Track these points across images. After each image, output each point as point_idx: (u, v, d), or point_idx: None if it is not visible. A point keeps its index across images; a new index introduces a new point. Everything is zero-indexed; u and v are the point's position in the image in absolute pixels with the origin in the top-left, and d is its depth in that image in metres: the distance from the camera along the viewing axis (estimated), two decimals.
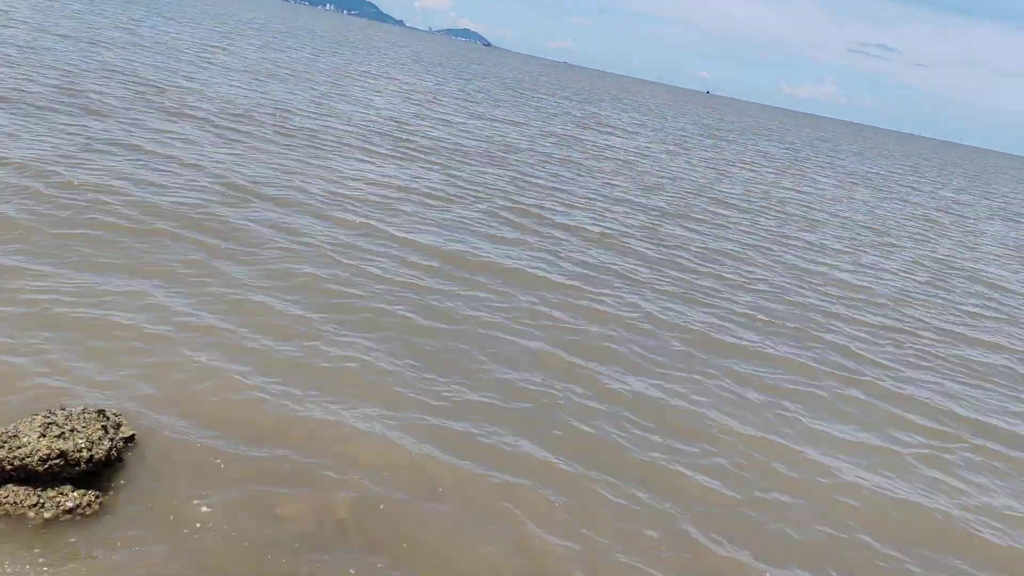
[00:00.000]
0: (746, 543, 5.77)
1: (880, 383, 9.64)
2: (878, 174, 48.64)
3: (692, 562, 5.44)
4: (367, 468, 5.65)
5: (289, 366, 6.93)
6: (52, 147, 12.29)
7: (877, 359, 10.55)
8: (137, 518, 4.66)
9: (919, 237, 23.33)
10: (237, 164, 14.11)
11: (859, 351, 10.71)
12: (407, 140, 21.12)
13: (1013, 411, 9.70)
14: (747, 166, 35.17)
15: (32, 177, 10.49)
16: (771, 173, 34.21)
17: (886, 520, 6.53)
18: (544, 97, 57.09)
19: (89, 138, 13.48)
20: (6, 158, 11.07)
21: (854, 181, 39.35)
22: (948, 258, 20.45)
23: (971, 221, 31.30)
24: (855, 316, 12.52)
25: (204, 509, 4.88)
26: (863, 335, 11.58)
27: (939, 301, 14.88)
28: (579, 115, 45.76)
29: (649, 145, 35.64)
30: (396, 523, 5.16)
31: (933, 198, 38.96)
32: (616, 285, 11.47)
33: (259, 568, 4.53)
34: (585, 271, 11.90)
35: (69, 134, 13.39)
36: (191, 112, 18.13)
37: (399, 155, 18.64)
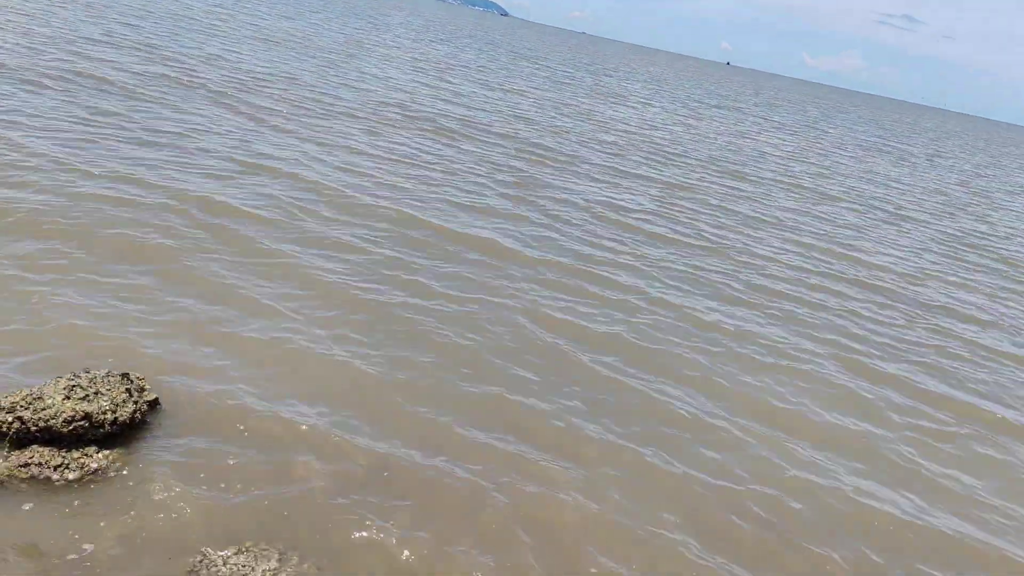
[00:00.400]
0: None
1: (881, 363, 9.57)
2: (896, 147, 48.07)
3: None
4: (385, 433, 5.71)
5: (312, 337, 6.98)
6: None
7: (880, 338, 10.42)
8: (160, 479, 4.72)
9: (937, 212, 23.10)
10: (254, 137, 14.11)
11: (860, 331, 10.59)
12: (415, 110, 20.85)
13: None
14: (761, 138, 34.81)
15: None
16: (787, 145, 33.89)
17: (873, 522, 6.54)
18: (560, 68, 56.55)
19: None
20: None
21: (871, 154, 38.92)
22: (964, 234, 20.25)
23: (993, 196, 30.95)
24: (864, 295, 12.42)
25: (226, 471, 4.95)
26: (869, 312, 11.46)
27: (954, 278, 14.72)
28: (593, 85, 45.33)
29: (662, 116, 35.32)
30: (412, 485, 5.22)
31: (953, 172, 38.52)
32: (619, 261, 11.28)
33: (279, 527, 4.60)
34: (585, 247, 11.69)
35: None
36: (202, 79, 18.10)
37: (406, 126, 18.42)
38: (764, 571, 5.19)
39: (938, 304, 12.50)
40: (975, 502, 6.68)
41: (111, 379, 4.97)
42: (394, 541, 4.69)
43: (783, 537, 5.59)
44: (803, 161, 28.88)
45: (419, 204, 11.89)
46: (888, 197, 23.81)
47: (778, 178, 22.85)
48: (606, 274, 10.40)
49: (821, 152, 34.34)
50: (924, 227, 19.74)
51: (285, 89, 19.65)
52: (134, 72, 16.95)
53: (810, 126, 51.59)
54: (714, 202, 17.09)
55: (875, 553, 5.63)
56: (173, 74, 17.92)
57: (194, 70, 19.05)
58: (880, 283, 13.08)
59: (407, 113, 20.08)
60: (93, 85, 14.82)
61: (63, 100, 13.22)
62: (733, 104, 57.60)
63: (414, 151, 15.79)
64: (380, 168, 13.70)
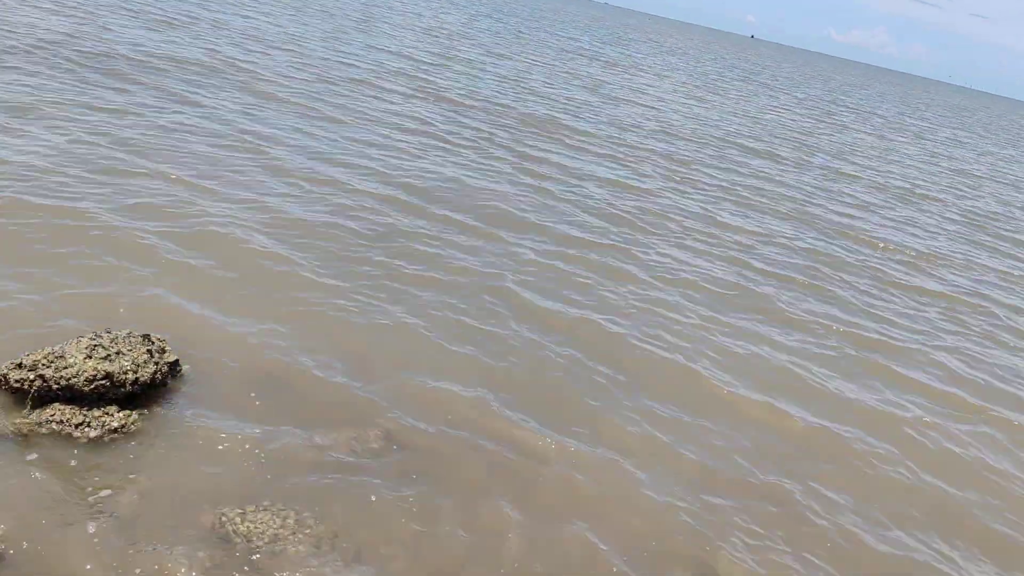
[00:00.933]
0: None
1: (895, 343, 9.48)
2: (919, 126, 47.46)
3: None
4: (404, 403, 5.76)
5: (332, 307, 7.02)
6: None
7: (894, 319, 10.32)
8: (181, 440, 4.80)
9: (955, 192, 22.84)
10: (255, 114, 14.09)
11: (875, 310, 10.55)
12: (422, 79, 20.49)
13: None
14: (782, 112, 34.43)
15: None
16: (807, 121, 33.52)
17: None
18: (577, 38, 55.97)
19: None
20: None
21: (894, 132, 38.46)
22: (982, 215, 20.05)
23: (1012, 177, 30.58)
24: (878, 275, 12.30)
25: (246, 435, 5.01)
26: (885, 294, 11.37)
27: (965, 260, 14.53)
28: (608, 56, 44.83)
29: (678, 89, 34.93)
30: (429, 455, 5.28)
31: (975, 151, 38.03)
32: (625, 235, 11.13)
33: (296, 490, 4.67)
34: (593, 221, 11.55)
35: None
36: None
37: (411, 94, 18.17)
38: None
39: (956, 281, 12.42)
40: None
41: (132, 340, 5.02)
42: (412, 507, 4.75)
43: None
44: (818, 135, 28.57)
45: (430, 172, 11.87)
46: (903, 176, 23.55)
47: (792, 154, 22.63)
48: (599, 247, 10.34)
49: (838, 128, 33.95)
50: (939, 206, 19.55)
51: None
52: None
53: (831, 101, 50.95)
54: (722, 178, 16.79)
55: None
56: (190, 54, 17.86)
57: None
58: (891, 260, 13.01)
59: (410, 82, 19.77)
60: None
61: None
62: (753, 78, 56.89)
63: (414, 118, 15.63)
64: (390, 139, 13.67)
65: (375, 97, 16.67)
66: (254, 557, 4.16)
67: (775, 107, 36.51)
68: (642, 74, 38.04)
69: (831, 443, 6.68)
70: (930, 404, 7.84)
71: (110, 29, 16.40)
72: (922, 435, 7.15)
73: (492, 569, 4.50)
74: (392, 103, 16.46)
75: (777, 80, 61.25)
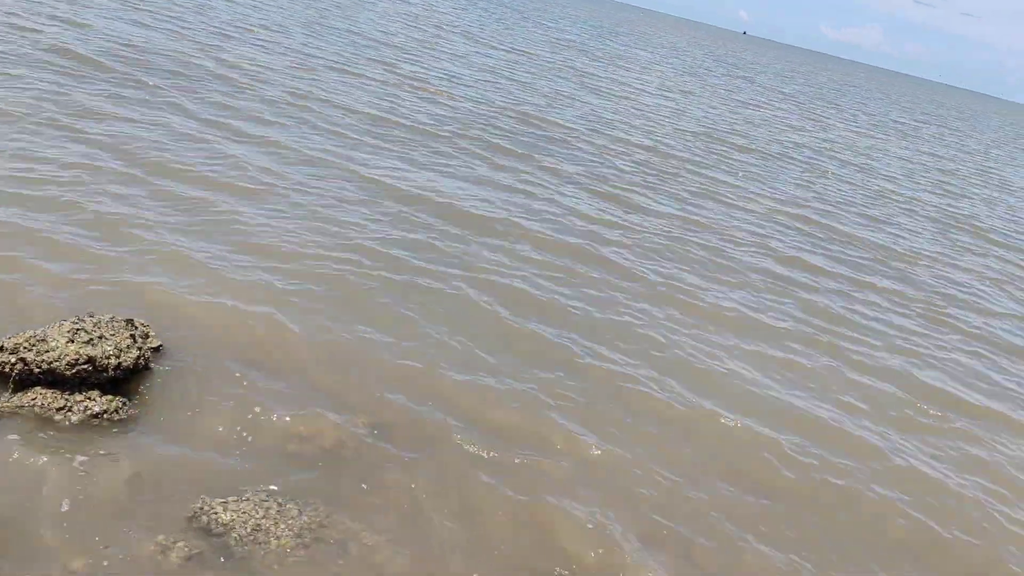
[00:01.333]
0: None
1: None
2: (904, 123, 47.73)
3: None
4: (391, 391, 5.75)
5: (318, 294, 6.98)
6: None
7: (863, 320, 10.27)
8: (163, 426, 4.76)
9: (935, 191, 22.98)
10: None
11: (845, 312, 10.51)
12: (401, 69, 20.11)
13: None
14: (763, 109, 34.36)
15: None
16: (792, 117, 33.62)
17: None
18: (566, 30, 55.83)
19: None
20: None
21: (879, 130, 38.67)
22: (961, 215, 20.19)
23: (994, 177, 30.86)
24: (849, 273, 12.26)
25: (229, 423, 4.98)
26: (854, 293, 11.31)
27: (945, 259, 14.58)
28: (597, 49, 44.75)
29: (665, 83, 34.89)
30: (413, 441, 5.28)
31: (959, 150, 38.31)
32: (599, 235, 10.75)
33: (280, 477, 4.64)
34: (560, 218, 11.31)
35: None
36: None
37: (390, 83, 17.88)
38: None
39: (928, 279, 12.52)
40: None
41: (115, 324, 4.97)
42: (396, 496, 4.74)
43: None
44: (801, 131, 28.61)
45: (403, 166, 11.82)
46: (882, 173, 23.68)
47: (775, 150, 22.68)
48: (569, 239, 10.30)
49: (824, 126, 34.06)
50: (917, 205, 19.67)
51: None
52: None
53: (819, 98, 51.12)
54: (703, 172, 16.64)
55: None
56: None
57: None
58: (865, 257, 13.10)
59: (394, 71, 19.50)
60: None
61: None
62: (742, 73, 56.98)
63: (393, 108, 15.47)
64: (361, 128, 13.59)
65: (351, 84, 16.55)
66: (235, 547, 4.13)
67: (760, 103, 36.57)
68: (628, 68, 38.00)
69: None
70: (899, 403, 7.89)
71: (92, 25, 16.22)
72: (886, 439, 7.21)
73: (477, 554, 4.51)
74: (367, 90, 16.33)
75: (764, 75, 61.36)
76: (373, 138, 12.54)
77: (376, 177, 10.50)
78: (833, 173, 20.81)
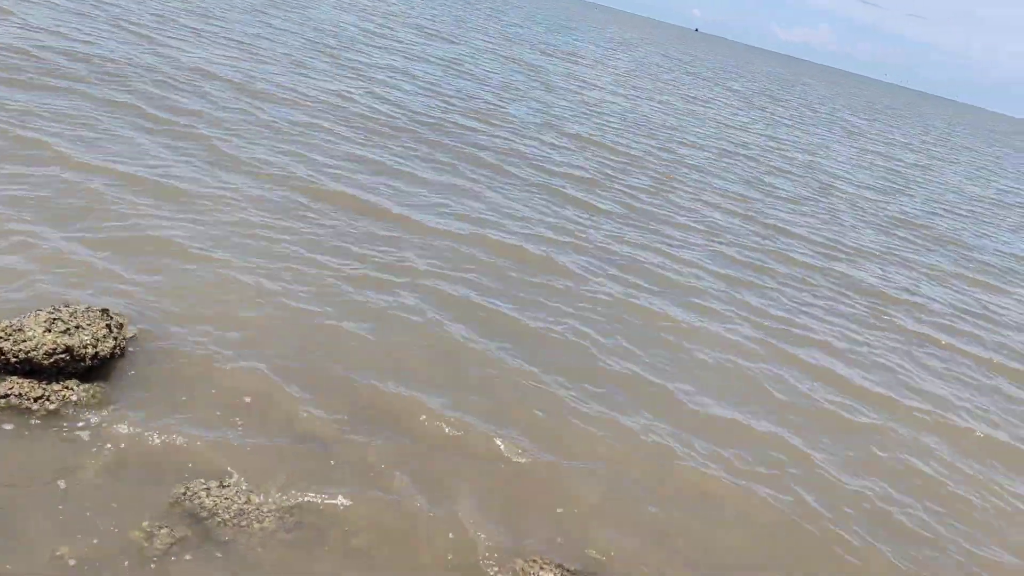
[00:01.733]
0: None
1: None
2: (849, 121, 48.93)
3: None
4: (361, 376, 5.88)
5: (291, 279, 7.07)
6: None
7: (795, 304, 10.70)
8: (141, 413, 4.81)
9: (883, 188, 23.72)
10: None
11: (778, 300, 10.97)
12: (349, 59, 19.90)
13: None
14: (711, 104, 34.89)
15: None
16: (738, 114, 34.25)
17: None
18: (514, 23, 55.86)
19: None
20: None
21: (817, 126, 39.62)
22: (901, 211, 20.89)
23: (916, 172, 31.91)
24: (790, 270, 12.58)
25: (206, 408, 5.06)
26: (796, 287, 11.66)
27: (881, 250, 15.13)
28: (545, 43, 44.86)
29: (612, 78, 35.16)
30: (389, 424, 5.43)
31: (904, 149, 39.44)
32: (546, 234, 10.66)
33: (258, 461, 4.74)
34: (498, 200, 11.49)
35: None
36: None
37: (336, 73, 17.66)
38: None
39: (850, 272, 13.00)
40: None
41: (91, 314, 4.99)
42: (375, 479, 4.88)
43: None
44: (748, 131, 29.15)
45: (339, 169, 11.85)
46: (821, 167, 24.34)
47: (721, 146, 23.16)
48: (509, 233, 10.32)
49: (770, 123, 34.78)
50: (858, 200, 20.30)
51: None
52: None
53: (763, 95, 52.06)
54: (648, 167, 16.74)
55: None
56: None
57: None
58: (806, 251, 13.53)
59: (337, 60, 19.22)
60: None
61: None
62: (690, 69, 57.73)
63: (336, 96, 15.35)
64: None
65: (297, 75, 16.47)
66: (219, 532, 4.22)
67: (708, 99, 37.19)
68: (580, 62, 38.27)
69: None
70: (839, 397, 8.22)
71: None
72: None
73: (447, 532, 4.66)
74: (314, 80, 16.23)
75: (712, 72, 62.25)
76: (311, 131, 12.54)
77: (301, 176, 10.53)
78: (777, 168, 21.31)
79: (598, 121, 21.06)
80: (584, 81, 29.97)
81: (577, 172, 14.40)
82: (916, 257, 15.24)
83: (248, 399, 5.26)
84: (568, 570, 4.50)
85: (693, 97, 35.87)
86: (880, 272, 13.29)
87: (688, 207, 14.10)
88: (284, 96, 13.73)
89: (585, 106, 23.21)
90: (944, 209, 22.61)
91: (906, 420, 7.85)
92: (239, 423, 5.03)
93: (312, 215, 8.79)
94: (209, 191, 8.57)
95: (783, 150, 25.98)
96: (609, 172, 15.25)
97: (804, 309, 10.33)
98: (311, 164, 10.51)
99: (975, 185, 31.62)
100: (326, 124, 12.74)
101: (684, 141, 21.72)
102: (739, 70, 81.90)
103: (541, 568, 4.40)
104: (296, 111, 13.02)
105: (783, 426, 7.01)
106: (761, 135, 28.53)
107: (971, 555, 5.91)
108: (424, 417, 5.61)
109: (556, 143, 16.72)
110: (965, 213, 22.80)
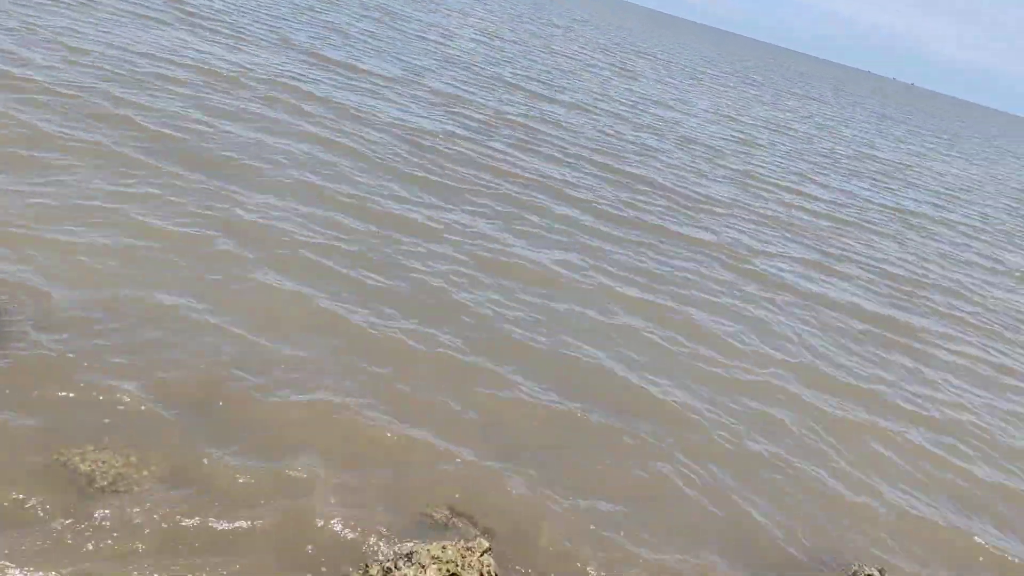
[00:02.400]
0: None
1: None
2: (754, 85, 49.65)
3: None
4: (247, 349, 5.88)
5: (163, 264, 6.83)
6: None
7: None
8: (14, 381, 4.70)
9: (774, 149, 24.26)
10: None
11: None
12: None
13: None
14: (577, 59, 34.67)
15: None
16: (652, 84, 34.32)
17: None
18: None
19: None
20: None
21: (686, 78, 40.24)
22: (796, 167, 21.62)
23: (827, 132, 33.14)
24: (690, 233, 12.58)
25: (86, 376, 5.00)
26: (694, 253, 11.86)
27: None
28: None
29: (485, 28, 34.66)
30: (273, 386, 5.51)
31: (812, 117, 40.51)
32: (459, 208, 10.58)
33: (136, 431, 4.71)
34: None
35: None
36: None
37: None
38: None
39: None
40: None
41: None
42: (247, 440, 4.93)
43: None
44: (657, 102, 29.02)
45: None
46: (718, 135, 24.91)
47: (587, 101, 22.96)
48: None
49: (679, 89, 34.89)
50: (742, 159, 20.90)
51: None
52: None
53: (672, 62, 51.87)
54: (520, 124, 16.60)
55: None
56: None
57: None
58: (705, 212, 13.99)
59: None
60: None
61: None
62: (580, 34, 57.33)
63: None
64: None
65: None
66: (98, 496, 4.17)
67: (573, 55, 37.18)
68: (449, 15, 37.17)
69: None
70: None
71: None
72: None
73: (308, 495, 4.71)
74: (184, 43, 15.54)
75: (621, 30, 62.14)
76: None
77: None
78: (645, 125, 21.49)
79: (463, 74, 20.76)
80: (445, 29, 29.12)
81: (426, 125, 14.34)
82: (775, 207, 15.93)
83: (125, 360, 5.16)
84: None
85: (587, 64, 35.79)
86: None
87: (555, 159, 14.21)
88: None
89: (440, 57, 22.84)
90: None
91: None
92: (117, 391, 4.93)
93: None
94: None
95: (648, 105, 26.29)
96: (478, 125, 15.19)
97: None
98: None
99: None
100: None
101: (553, 98, 21.66)
102: (635, 39, 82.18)
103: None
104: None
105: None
106: (630, 90, 28.75)
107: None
108: (332, 380, 5.64)
109: (417, 96, 16.46)
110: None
